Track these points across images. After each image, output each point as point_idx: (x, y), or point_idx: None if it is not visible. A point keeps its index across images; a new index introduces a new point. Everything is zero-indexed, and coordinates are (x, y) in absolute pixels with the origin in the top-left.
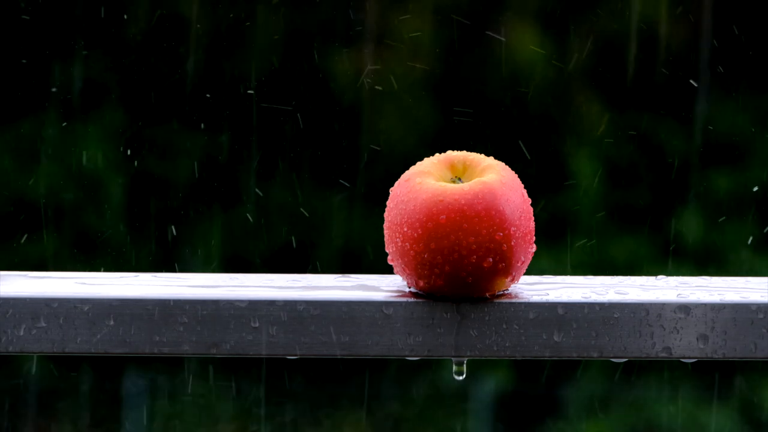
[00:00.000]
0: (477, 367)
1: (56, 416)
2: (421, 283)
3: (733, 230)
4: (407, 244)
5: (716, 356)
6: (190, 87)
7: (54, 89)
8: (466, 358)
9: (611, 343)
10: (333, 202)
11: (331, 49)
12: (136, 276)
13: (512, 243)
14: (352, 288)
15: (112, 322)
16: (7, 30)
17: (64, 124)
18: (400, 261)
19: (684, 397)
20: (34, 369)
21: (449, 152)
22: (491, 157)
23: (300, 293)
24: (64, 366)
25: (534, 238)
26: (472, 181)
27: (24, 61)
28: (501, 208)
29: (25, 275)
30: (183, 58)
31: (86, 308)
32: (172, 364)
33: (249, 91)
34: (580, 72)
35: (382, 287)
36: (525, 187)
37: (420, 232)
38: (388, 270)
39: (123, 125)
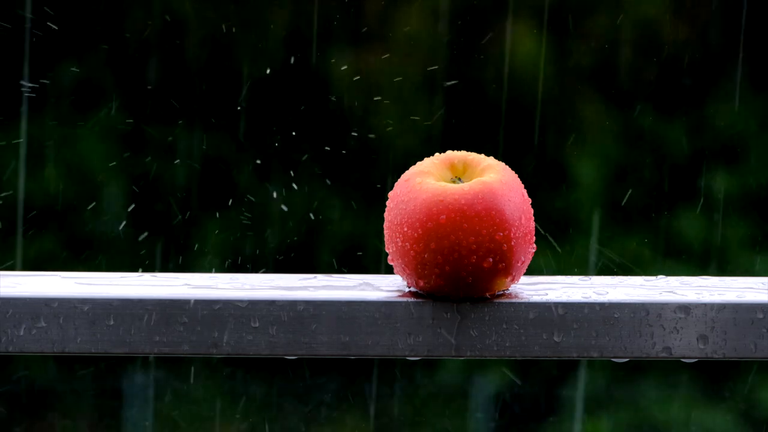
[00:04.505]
0: (477, 367)
1: (56, 416)
2: (421, 283)
3: (733, 230)
4: (407, 244)
5: (716, 356)
6: (190, 87)
7: (54, 89)
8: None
9: (611, 343)
10: (332, 201)
11: (331, 48)
12: (136, 276)
13: (512, 243)
14: (352, 288)
15: (112, 322)
16: (6, 30)
17: (64, 123)
18: (400, 261)
19: (684, 397)
20: (34, 369)
21: (449, 152)
22: (491, 157)
23: (300, 293)
24: (64, 366)
25: (534, 238)
26: (472, 181)
27: (23, 61)
28: (501, 208)
29: (25, 275)
30: (183, 57)
31: (86, 308)
32: (173, 364)
33: (249, 91)
34: (580, 71)
35: (382, 287)
36: (525, 187)
37: (420, 232)
38: (388, 270)
39: (123, 125)
